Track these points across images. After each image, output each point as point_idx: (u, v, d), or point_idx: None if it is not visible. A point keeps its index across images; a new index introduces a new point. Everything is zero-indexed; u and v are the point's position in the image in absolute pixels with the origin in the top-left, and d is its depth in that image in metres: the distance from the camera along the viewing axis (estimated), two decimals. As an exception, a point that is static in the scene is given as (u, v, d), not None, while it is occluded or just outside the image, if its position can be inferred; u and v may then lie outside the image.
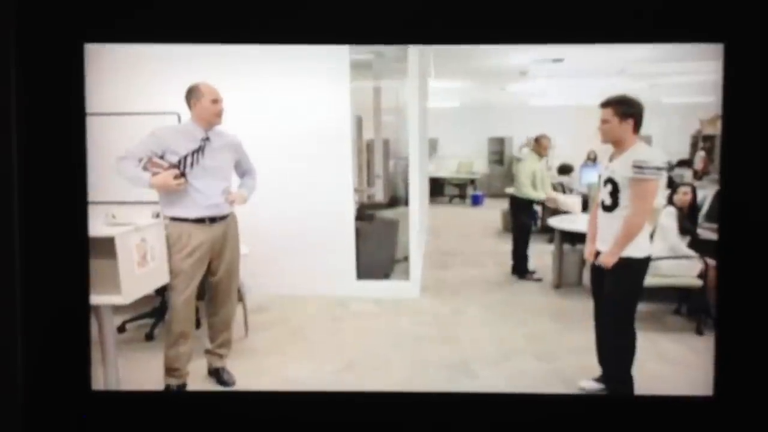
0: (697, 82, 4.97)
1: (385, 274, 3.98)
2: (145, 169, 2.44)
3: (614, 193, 2.45)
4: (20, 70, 1.74)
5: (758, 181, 1.79)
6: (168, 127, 2.58)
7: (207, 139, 2.51)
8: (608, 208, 2.47)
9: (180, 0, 1.79)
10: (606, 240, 2.47)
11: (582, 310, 3.15)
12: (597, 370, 2.61)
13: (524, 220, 4.36)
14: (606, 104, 2.46)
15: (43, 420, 1.84)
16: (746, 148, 1.78)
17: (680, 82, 5.00)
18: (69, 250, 1.86)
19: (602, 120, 2.47)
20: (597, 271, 2.53)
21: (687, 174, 4.52)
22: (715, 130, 4.98)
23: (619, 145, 2.46)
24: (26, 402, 1.81)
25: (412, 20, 1.80)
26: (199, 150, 2.49)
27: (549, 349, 3.04)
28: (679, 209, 3.38)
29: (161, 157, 2.46)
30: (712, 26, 1.73)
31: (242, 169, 2.68)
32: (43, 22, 1.75)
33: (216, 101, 2.50)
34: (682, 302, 3.38)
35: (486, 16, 1.81)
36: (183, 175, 2.45)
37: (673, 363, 2.91)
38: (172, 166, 2.46)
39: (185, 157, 2.47)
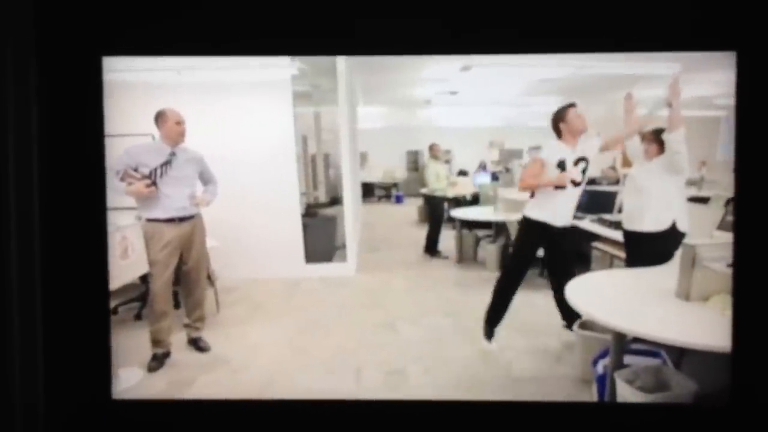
0: (551, 111, 5.31)
1: (328, 258, 3.96)
2: (121, 180, 2.36)
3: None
4: (40, 81, 1.41)
5: None
6: (140, 145, 2.48)
7: (174, 154, 2.46)
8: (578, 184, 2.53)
9: (195, 14, 1.46)
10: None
11: (476, 278, 3.25)
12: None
13: (436, 213, 4.46)
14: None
15: (63, 428, 1.48)
16: (759, 154, 1.43)
17: (540, 111, 5.32)
18: (88, 256, 1.48)
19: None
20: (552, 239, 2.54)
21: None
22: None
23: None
24: (47, 410, 1.44)
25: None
26: (167, 163, 2.44)
27: (453, 308, 3.12)
28: None
29: (135, 170, 2.39)
30: (725, 34, 1.40)
31: (205, 179, 2.63)
32: (62, 35, 1.42)
33: (179, 123, 2.46)
34: (544, 268, 3.48)
35: (486, 22, 1.42)
36: (154, 183, 2.39)
37: (538, 310, 3.03)
38: (144, 176, 2.39)
39: (155, 169, 2.42)
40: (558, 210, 2.51)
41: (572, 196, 2.53)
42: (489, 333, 2.60)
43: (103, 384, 1.50)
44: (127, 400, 1.59)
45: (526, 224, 2.55)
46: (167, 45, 1.47)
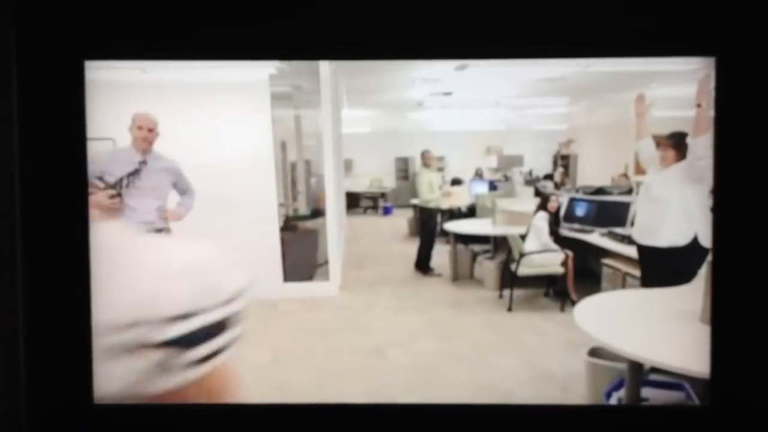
0: (555, 113, 5.28)
1: (309, 277, 3.87)
2: None
3: None
4: (20, 86, 1.47)
5: (752, 196, 1.44)
6: (105, 152, 2.45)
7: (144, 162, 2.43)
8: None
9: (182, 18, 1.50)
10: None
11: (473, 298, 3.16)
12: (484, 345, 2.61)
13: (428, 226, 4.38)
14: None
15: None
16: (738, 160, 1.47)
17: (543, 113, 5.28)
18: (69, 259, 1.52)
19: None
20: None
21: (549, 185, 4.76)
22: (569, 151, 5.31)
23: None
24: (28, 415, 1.51)
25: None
26: (136, 172, 2.41)
27: (447, 332, 3.03)
28: (550, 213, 3.50)
29: (100, 179, 2.29)
30: (704, 40, 1.46)
31: (180, 189, 2.59)
32: (43, 39, 1.49)
33: (140, 128, 2.42)
34: (550, 287, 3.48)
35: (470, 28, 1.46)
36: (119, 195, 2.31)
37: (543, 335, 2.97)
38: (109, 186, 2.29)
39: (121, 179, 2.38)
40: None
41: None
42: None
43: (84, 388, 1.54)
44: (108, 405, 1.62)
45: None
46: (156, 49, 1.52)
